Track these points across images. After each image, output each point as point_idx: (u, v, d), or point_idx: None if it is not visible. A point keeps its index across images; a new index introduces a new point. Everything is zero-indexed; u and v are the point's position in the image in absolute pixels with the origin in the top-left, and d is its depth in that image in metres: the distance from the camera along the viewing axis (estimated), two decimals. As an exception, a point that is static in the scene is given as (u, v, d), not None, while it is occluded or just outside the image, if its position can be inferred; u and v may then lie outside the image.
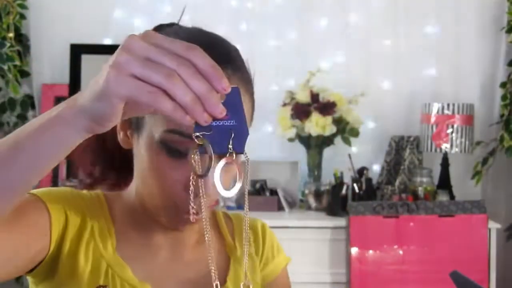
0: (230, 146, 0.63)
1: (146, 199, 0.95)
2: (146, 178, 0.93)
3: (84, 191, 1.03)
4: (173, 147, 0.88)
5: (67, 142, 0.68)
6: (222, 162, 0.65)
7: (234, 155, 0.64)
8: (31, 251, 0.87)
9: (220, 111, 0.62)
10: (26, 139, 0.69)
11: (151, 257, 1.00)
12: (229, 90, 0.61)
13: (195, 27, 0.99)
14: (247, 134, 0.64)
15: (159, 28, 1.01)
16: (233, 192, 0.66)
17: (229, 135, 0.63)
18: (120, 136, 0.98)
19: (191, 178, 0.68)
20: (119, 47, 0.64)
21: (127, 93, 0.62)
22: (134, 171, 0.97)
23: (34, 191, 0.93)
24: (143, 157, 0.93)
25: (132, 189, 1.00)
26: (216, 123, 0.62)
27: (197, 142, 0.63)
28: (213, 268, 0.74)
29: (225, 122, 0.62)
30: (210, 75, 0.62)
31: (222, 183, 0.66)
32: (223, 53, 0.91)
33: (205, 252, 1.03)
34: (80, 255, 0.93)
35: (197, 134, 0.63)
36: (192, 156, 0.64)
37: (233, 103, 0.63)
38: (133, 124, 0.96)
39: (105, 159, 1.05)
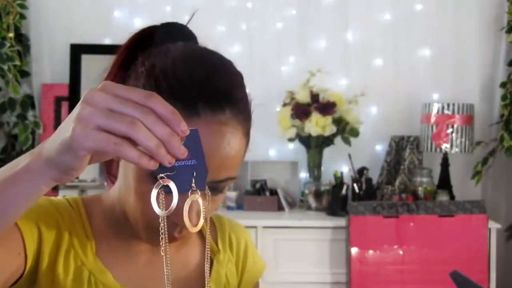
0: (193, 185, 0.69)
1: (129, 213, 0.93)
2: (130, 197, 0.91)
3: (60, 198, 1.00)
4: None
5: (34, 193, 0.70)
6: (188, 201, 0.71)
7: (198, 194, 0.70)
8: (6, 272, 0.85)
9: (182, 152, 0.66)
10: None
11: (131, 262, 0.99)
12: (187, 132, 0.66)
13: (194, 48, 0.94)
14: (207, 172, 0.69)
15: (152, 31, 0.98)
16: (199, 227, 0.74)
17: (191, 174, 0.68)
18: None
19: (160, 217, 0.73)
20: (81, 101, 0.66)
21: (94, 146, 0.65)
22: (119, 176, 0.95)
23: None
24: (130, 177, 0.90)
25: (115, 192, 0.97)
26: (178, 163, 0.68)
27: (162, 182, 0.68)
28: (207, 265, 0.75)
29: (186, 162, 0.68)
30: (170, 121, 0.66)
31: (190, 219, 0.74)
32: (221, 91, 0.87)
33: (186, 254, 1.04)
34: (59, 267, 0.92)
35: (161, 175, 0.68)
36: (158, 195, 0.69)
37: (193, 143, 0.68)
38: None
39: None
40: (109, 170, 1.01)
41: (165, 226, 0.74)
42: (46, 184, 0.69)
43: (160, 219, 0.72)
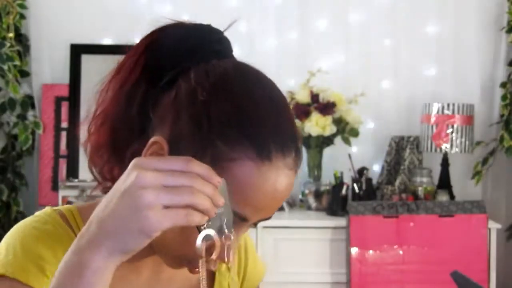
0: (226, 230, 0.75)
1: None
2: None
3: (49, 211, 0.92)
4: None
5: (106, 284, 0.72)
6: (227, 243, 0.76)
7: (230, 235, 0.75)
8: None
9: (221, 202, 0.72)
10: None
11: (134, 276, 0.96)
12: (222, 182, 0.73)
13: (258, 79, 0.86)
14: (232, 215, 0.75)
15: (188, 36, 0.89)
16: (232, 263, 0.86)
17: (222, 219, 0.74)
18: (152, 148, 0.84)
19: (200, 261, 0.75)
20: (131, 186, 0.69)
21: (170, 225, 0.69)
22: None
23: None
24: None
25: None
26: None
27: (205, 231, 0.74)
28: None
29: (219, 210, 0.73)
30: (210, 178, 0.71)
31: (227, 258, 0.78)
32: (290, 134, 0.84)
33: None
34: None
35: (204, 224, 0.73)
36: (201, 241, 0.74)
37: (221, 191, 0.73)
38: None
39: (119, 154, 0.92)
40: (101, 170, 0.94)
41: (204, 267, 0.76)
42: (113, 272, 0.71)
43: (199, 263, 0.75)
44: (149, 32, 0.90)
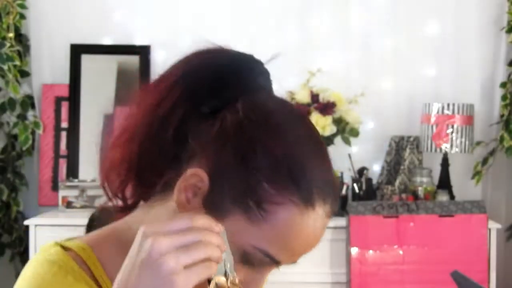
0: (230, 274, 0.76)
1: None
2: None
3: (62, 257, 0.84)
4: (251, 260, 0.82)
5: None
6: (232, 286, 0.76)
7: (235, 279, 0.76)
8: None
9: (224, 248, 0.73)
10: None
11: None
12: (222, 229, 0.74)
13: (303, 121, 0.85)
14: (232, 259, 0.76)
15: (230, 63, 0.86)
16: None
17: (225, 264, 0.75)
18: (181, 197, 0.81)
19: None
20: (150, 256, 0.69)
21: (196, 281, 0.70)
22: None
23: None
24: None
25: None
26: None
27: (215, 279, 0.75)
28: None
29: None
30: (213, 228, 0.72)
31: None
32: (333, 182, 0.83)
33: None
34: None
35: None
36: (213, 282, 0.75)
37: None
38: (211, 203, 0.80)
39: (142, 176, 0.87)
40: (113, 188, 0.88)
41: None
42: None
43: None
44: (189, 54, 0.87)
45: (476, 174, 3.18)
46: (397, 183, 3.14)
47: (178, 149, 0.82)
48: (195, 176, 0.79)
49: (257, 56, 0.91)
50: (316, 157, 0.82)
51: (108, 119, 3.25)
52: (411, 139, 3.20)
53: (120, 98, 3.26)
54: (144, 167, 0.84)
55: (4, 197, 3.14)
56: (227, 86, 0.83)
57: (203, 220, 0.72)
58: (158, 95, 0.84)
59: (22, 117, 3.15)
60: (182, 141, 0.82)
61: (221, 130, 0.80)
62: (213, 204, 0.79)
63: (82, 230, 3.04)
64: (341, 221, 2.88)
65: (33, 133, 3.18)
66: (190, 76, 0.84)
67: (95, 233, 0.90)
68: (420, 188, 3.06)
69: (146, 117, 0.84)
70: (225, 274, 0.74)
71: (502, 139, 3.12)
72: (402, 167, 3.17)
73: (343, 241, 2.86)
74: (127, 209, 0.89)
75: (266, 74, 0.88)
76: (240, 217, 0.79)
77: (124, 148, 0.85)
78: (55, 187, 3.18)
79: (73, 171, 3.18)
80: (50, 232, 2.87)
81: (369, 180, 3.07)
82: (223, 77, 0.84)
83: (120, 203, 0.89)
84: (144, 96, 0.86)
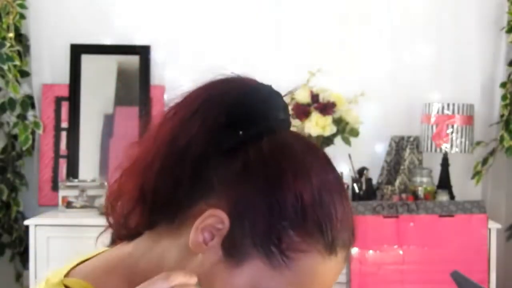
0: None
1: None
2: None
3: None
4: None
5: None
6: None
7: None
8: None
9: None
10: None
11: None
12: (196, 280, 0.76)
13: (327, 167, 0.83)
14: None
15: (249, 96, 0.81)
16: None
17: None
18: (199, 237, 0.76)
19: None
20: None
21: None
22: (178, 260, 0.79)
23: None
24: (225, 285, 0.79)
25: (153, 260, 0.81)
26: None
27: None
28: None
29: None
30: (189, 283, 0.74)
31: None
32: (354, 229, 0.82)
33: None
34: None
35: None
36: None
37: None
38: (230, 245, 0.76)
39: (150, 207, 0.82)
40: (117, 217, 0.84)
41: None
42: None
43: None
44: (206, 83, 0.82)
45: (476, 174, 3.18)
46: (397, 183, 3.14)
47: (195, 184, 0.77)
48: (214, 217, 0.75)
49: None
50: (340, 201, 0.79)
51: (108, 119, 3.26)
52: (411, 139, 3.20)
53: (120, 98, 3.26)
54: (157, 199, 0.79)
55: (4, 197, 3.14)
56: (248, 122, 0.78)
57: (180, 279, 0.72)
58: (175, 127, 0.79)
59: (22, 117, 3.15)
60: (199, 177, 0.77)
61: (244, 169, 0.76)
62: (233, 247, 0.75)
63: (82, 230, 3.04)
64: (341, 221, 2.88)
65: (33, 133, 3.18)
66: (208, 109, 0.79)
67: (97, 264, 0.85)
68: (420, 188, 3.06)
69: (162, 149, 0.79)
70: None
71: (502, 139, 3.12)
72: (402, 167, 3.17)
73: (343, 241, 2.86)
74: (129, 236, 0.84)
75: (285, 108, 0.83)
76: (260, 261, 0.75)
77: (137, 178, 0.80)
78: (55, 187, 3.18)
79: (73, 171, 3.18)
80: (50, 232, 2.87)
81: (369, 180, 3.07)
82: (244, 112, 0.79)
83: (123, 230, 0.84)
84: (159, 128, 0.81)
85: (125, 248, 0.84)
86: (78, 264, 0.85)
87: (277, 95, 0.83)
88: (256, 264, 0.75)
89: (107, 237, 0.87)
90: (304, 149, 0.80)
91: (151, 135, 0.81)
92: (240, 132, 0.77)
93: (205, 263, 0.76)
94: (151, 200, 0.80)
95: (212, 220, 0.75)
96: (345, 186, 0.86)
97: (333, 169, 0.82)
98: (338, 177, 0.82)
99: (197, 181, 0.77)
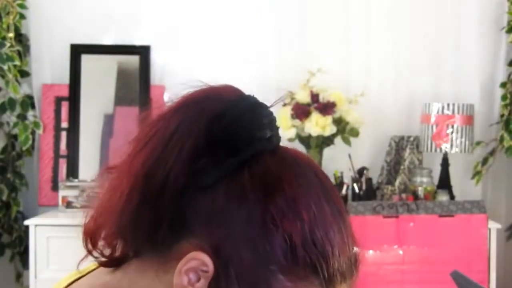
0: None
1: None
2: None
3: None
4: None
5: None
6: None
7: None
8: None
9: None
10: None
11: None
12: None
13: (326, 182, 0.74)
14: None
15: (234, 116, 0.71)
16: None
17: None
18: (183, 280, 0.69)
19: None
20: None
21: None
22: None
23: None
24: None
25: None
26: None
27: None
28: None
29: None
30: None
31: None
32: (356, 262, 0.76)
33: None
34: None
35: None
36: None
37: None
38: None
39: (132, 235, 0.75)
40: (112, 256, 0.78)
41: None
42: None
43: None
44: (181, 99, 0.74)
45: (476, 174, 3.18)
46: (397, 183, 3.14)
47: (175, 223, 0.70)
48: (197, 260, 0.68)
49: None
50: (338, 234, 0.72)
51: (108, 119, 3.26)
52: (411, 139, 3.20)
53: (120, 98, 3.26)
54: (138, 238, 0.73)
55: (4, 197, 3.14)
56: (229, 150, 0.70)
57: None
58: (149, 157, 0.71)
59: (22, 117, 3.15)
60: (179, 214, 0.69)
61: (225, 207, 0.68)
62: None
63: (82, 230, 3.03)
64: (341, 221, 2.88)
65: (33, 133, 3.18)
66: (183, 136, 0.70)
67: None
68: (420, 188, 3.06)
69: (139, 183, 0.71)
70: None
71: (502, 139, 3.12)
72: (402, 167, 3.17)
73: (343, 241, 2.86)
74: (113, 262, 0.78)
75: (271, 122, 0.73)
76: None
77: (114, 215, 0.73)
78: (55, 187, 3.18)
79: (73, 171, 3.18)
80: (50, 232, 2.87)
81: (369, 180, 3.07)
82: (223, 140, 0.70)
83: (108, 263, 0.78)
84: (133, 157, 0.72)
85: (114, 276, 0.78)
86: (72, 283, 0.82)
87: (261, 107, 0.72)
88: None
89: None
90: (292, 176, 0.70)
91: (125, 166, 0.73)
92: (220, 164, 0.69)
93: None
94: (132, 238, 0.74)
95: (195, 263, 0.68)
96: (346, 212, 0.76)
97: (328, 196, 0.72)
98: (335, 204, 0.73)
99: (177, 220, 0.70)
